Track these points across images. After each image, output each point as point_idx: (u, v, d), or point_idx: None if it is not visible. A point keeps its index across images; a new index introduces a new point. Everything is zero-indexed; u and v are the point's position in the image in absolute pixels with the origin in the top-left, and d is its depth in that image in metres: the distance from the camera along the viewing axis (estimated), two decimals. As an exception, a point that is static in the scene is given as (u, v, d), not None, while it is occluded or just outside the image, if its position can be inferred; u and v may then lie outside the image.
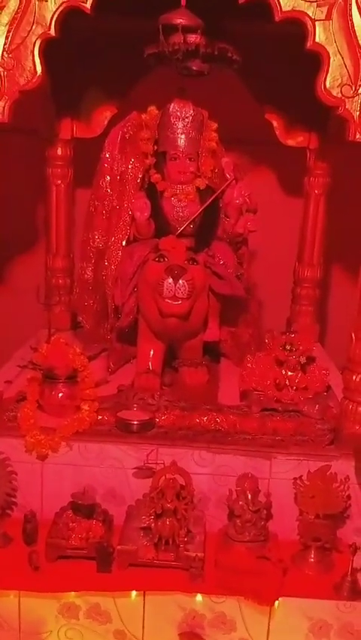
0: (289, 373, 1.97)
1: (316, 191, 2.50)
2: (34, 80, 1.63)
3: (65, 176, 2.46)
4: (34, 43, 1.61)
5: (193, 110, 2.05)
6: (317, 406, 1.91)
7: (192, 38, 1.81)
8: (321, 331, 2.72)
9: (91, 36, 2.25)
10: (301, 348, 1.97)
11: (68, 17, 1.64)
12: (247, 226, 2.11)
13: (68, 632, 1.63)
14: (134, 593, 1.61)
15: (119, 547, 1.64)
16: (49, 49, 1.66)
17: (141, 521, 1.67)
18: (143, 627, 1.61)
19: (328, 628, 1.59)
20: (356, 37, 1.56)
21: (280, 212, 2.70)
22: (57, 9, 1.60)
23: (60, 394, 1.86)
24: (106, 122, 2.38)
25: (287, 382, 1.95)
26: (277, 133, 2.43)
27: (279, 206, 2.73)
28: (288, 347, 1.95)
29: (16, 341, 2.34)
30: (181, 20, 1.79)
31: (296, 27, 1.62)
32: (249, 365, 2.00)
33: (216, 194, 2.08)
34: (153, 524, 1.65)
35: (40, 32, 1.60)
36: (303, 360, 1.96)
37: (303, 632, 1.60)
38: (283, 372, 1.97)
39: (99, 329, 2.27)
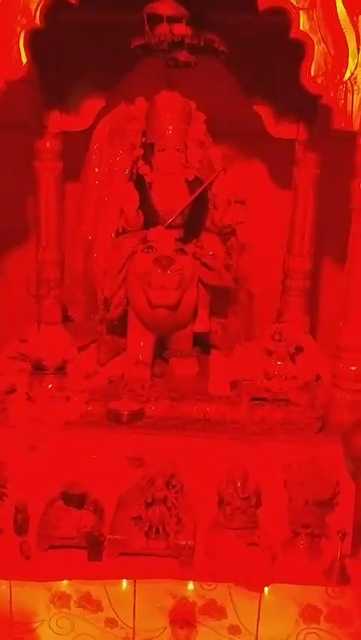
0: (279, 363, 1.98)
1: (305, 183, 2.51)
2: (19, 71, 1.63)
3: (55, 169, 2.44)
4: (19, 33, 1.61)
5: (181, 102, 2.06)
6: (306, 394, 1.92)
7: (178, 29, 1.82)
8: (313, 322, 2.72)
9: (79, 28, 2.25)
10: (289, 338, 1.98)
11: (56, 9, 1.64)
12: (235, 217, 2.11)
13: (59, 621, 1.63)
14: (125, 581, 1.62)
15: (109, 536, 1.65)
16: (36, 41, 1.66)
17: (132, 510, 1.68)
18: (134, 615, 1.62)
19: (318, 613, 1.60)
20: (340, 25, 1.57)
21: (270, 203, 2.70)
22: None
23: (50, 385, 1.86)
24: (95, 115, 2.37)
25: (276, 372, 1.97)
26: (265, 124, 2.43)
27: (269, 198, 2.73)
28: (277, 337, 1.97)
29: (6, 334, 2.34)
30: (166, 10, 1.80)
31: (282, 17, 1.62)
32: (239, 355, 2.02)
33: (204, 186, 2.09)
34: (143, 513, 1.65)
35: (25, 23, 1.60)
36: (292, 349, 1.98)
37: (293, 617, 1.61)
38: (273, 362, 1.98)
39: (89, 321, 2.28)
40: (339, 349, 1.80)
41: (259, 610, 1.60)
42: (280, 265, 2.65)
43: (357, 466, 1.66)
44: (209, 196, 2.12)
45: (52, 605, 1.62)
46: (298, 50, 1.64)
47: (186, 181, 2.10)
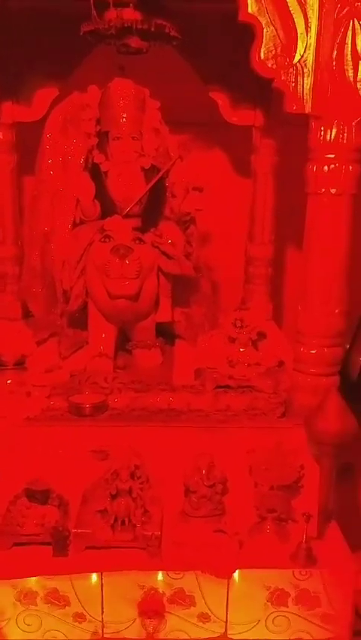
0: (241, 350, 1.98)
1: (263, 170, 2.51)
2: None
3: (9, 162, 2.41)
4: (-36, 22, 1.56)
5: (134, 89, 2.03)
6: (269, 380, 1.92)
7: (127, 14, 1.79)
8: (279, 309, 2.74)
9: (29, 17, 2.20)
10: (251, 324, 1.98)
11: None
12: (194, 204, 2.10)
13: (26, 618, 1.61)
14: (92, 575, 1.60)
15: (74, 530, 1.63)
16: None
17: (97, 504, 1.66)
18: (102, 608, 1.60)
19: (285, 596, 1.61)
20: (288, 7, 1.55)
21: (231, 191, 2.70)
22: (-15, -14, 1.55)
23: (8, 381, 1.83)
24: (48, 104, 2.33)
25: (240, 359, 1.97)
26: (222, 111, 2.42)
27: (229, 186, 2.73)
28: (238, 324, 1.97)
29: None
30: (112, -6, 1.77)
31: (233, 3, 1.61)
32: (202, 344, 2.01)
33: (161, 174, 2.07)
34: (108, 506, 1.64)
35: (-32, 10, 1.56)
36: (254, 336, 1.98)
37: (262, 601, 1.61)
38: (236, 349, 1.98)
39: (50, 316, 2.24)
40: (299, 334, 1.80)
41: (227, 596, 1.61)
42: (243, 253, 2.66)
43: (320, 449, 1.67)
44: (166, 184, 2.11)
45: (18, 602, 1.59)
46: (251, 35, 1.63)
47: (143, 169, 2.07)
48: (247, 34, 1.62)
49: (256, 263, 2.59)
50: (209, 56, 2.31)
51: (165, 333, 2.22)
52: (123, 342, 2.12)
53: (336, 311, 1.76)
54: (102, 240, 1.92)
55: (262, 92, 2.29)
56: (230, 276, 2.68)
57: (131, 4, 1.78)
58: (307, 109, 1.63)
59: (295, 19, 1.57)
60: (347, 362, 2.85)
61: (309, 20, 1.57)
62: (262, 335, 1.99)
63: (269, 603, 1.61)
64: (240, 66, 2.12)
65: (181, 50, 2.19)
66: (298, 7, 1.56)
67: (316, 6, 1.56)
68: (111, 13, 1.79)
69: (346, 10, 1.55)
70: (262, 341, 2.01)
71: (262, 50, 1.58)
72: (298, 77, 1.60)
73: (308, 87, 1.61)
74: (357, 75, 1.59)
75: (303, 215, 2.43)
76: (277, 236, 2.62)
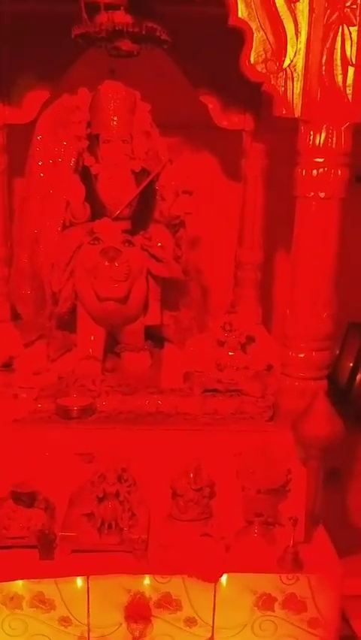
0: (230, 353, 1.98)
1: (253, 174, 2.52)
2: None
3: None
4: None
5: (124, 91, 2.03)
6: (257, 384, 1.92)
7: (118, 17, 1.79)
8: (268, 313, 2.74)
9: (20, 20, 2.20)
10: (240, 328, 1.98)
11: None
12: (183, 208, 2.10)
13: (12, 622, 1.59)
14: (78, 578, 1.59)
15: (60, 533, 1.62)
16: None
17: (84, 507, 1.65)
18: (88, 612, 1.59)
19: (272, 600, 1.60)
20: (277, 11, 1.56)
21: (222, 195, 2.71)
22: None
23: (-4, 383, 1.82)
24: (39, 107, 2.33)
25: (228, 363, 1.97)
26: (212, 115, 2.43)
27: (220, 190, 2.74)
28: (227, 327, 1.97)
29: None
30: (102, -3, 1.77)
31: (223, 8, 1.61)
32: (191, 347, 2.01)
33: (151, 177, 2.07)
34: (95, 509, 1.63)
35: None
36: (242, 340, 1.98)
37: (248, 606, 1.61)
38: (225, 352, 1.98)
39: (38, 318, 2.23)
40: (287, 337, 1.80)
41: (214, 600, 1.60)
42: (232, 257, 2.66)
43: (308, 453, 1.67)
44: (156, 187, 2.11)
45: (4, 606, 1.58)
46: (241, 39, 1.63)
47: (133, 172, 2.07)
48: (238, 38, 1.63)
49: (246, 267, 2.60)
50: (199, 60, 2.32)
51: (154, 337, 2.21)
52: (112, 344, 2.11)
53: (324, 315, 1.76)
54: (91, 242, 1.92)
55: (252, 97, 2.29)
56: (219, 279, 2.68)
57: (122, 8, 1.79)
58: (297, 113, 1.64)
59: (285, 24, 1.58)
60: (336, 367, 2.87)
61: (299, 25, 1.58)
62: (250, 339, 2.00)
63: (256, 607, 1.61)
64: (230, 70, 2.15)
65: (172, 53, 2.19)
66: (288, 12, 1.57)
67: (306, 11, 1.57)
68: (102, 17, 1.79)
69: (335, 15, 1.56)
70: (250, 345, 2.01)
71: (252, 55, 1.59)
72: (288, 82, 1.61)
73: (298, 91, 1.62)
74: (346, 80, 1.60)
75: (293, 219, 2.45)
76: (267, 241, 2.62)
